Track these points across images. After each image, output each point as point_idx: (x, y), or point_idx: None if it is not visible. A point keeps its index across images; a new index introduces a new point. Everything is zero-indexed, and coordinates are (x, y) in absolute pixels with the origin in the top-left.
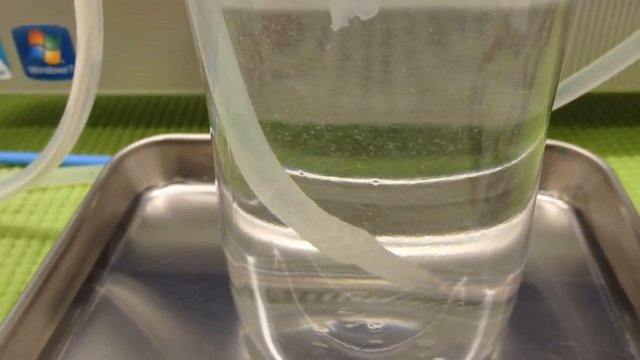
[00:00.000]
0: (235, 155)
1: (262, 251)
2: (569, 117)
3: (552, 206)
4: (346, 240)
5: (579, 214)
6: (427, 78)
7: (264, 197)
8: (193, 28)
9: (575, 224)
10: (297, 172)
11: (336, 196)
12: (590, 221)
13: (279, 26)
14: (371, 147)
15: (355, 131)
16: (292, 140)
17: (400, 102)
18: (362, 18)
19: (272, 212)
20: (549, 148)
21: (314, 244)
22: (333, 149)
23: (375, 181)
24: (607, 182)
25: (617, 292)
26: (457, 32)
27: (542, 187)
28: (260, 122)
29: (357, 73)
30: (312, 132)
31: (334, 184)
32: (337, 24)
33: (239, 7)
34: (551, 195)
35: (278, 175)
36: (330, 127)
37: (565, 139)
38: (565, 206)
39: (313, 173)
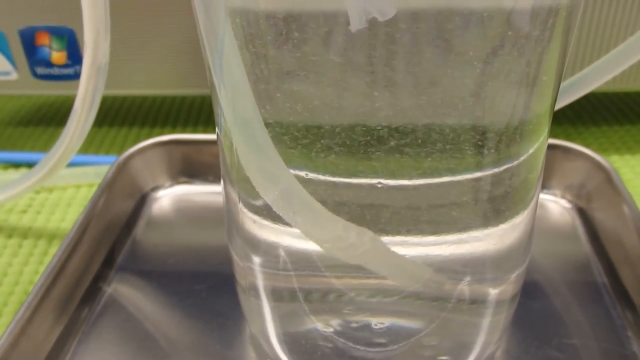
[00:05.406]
0: (241, 155)
1: (268, 251)
2: (572, 116)
3: (555, 205)
4: (351, 239)
5: (582, 213)
6: (430, 78)
7: (269, 197)
8: (199, 29)
9: (578, 222)
10: (302, 173)
11: (341, 196)
12: (593, 220)
13: (285, 27)
14: (375, 148)
15: (360, 132)
16: (298, 141)
17: (404, 102)
18: (380, 19)
19: (277, 212)
20: (551, 147)
21: (319, 243)
22: (338, 149)
23: (380, 182)
24: (609, 181)
25: (619, 290)
26: (461, 32)
27: (545, 186)
28: (265, 122)
29: (361, 74)
30: (317, 133)
31: (339, 184)
32: (355, 25)
33: (245, 7)
34: (554, 194)
35: (283, 176)
36: (335, 128)
37: (569, 137)
38: (568, 205)
39: (318, 174)
